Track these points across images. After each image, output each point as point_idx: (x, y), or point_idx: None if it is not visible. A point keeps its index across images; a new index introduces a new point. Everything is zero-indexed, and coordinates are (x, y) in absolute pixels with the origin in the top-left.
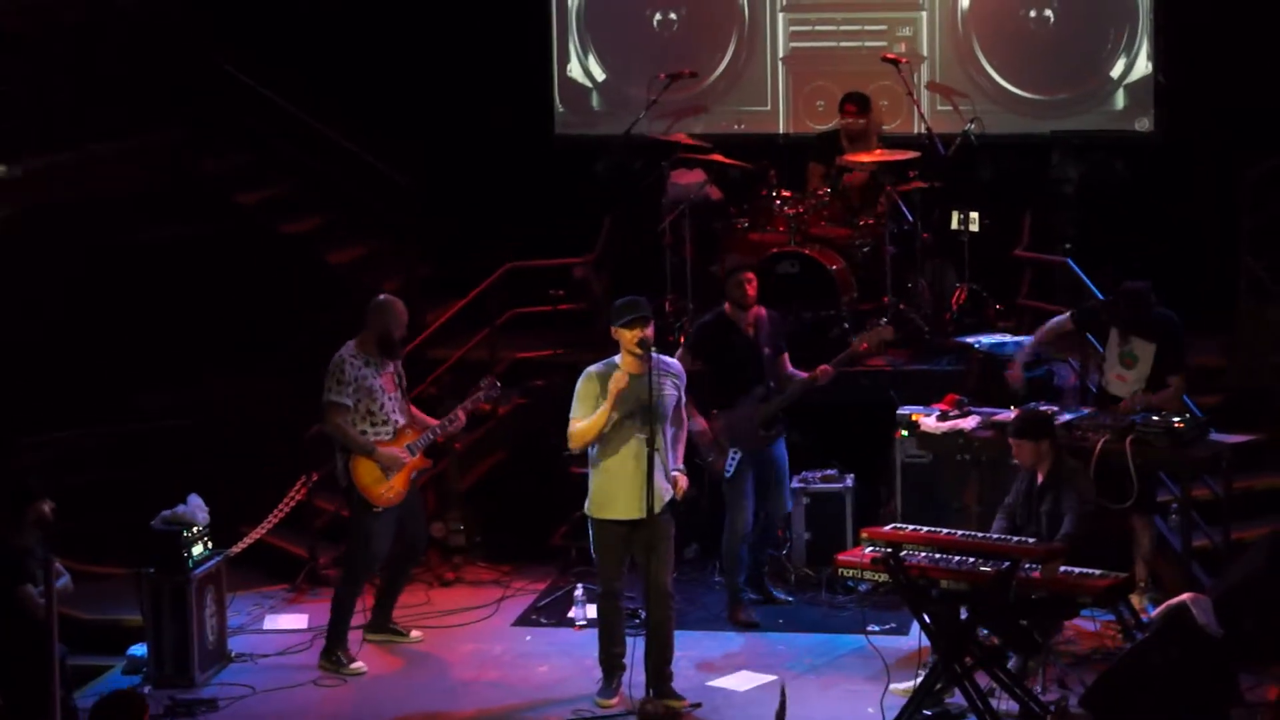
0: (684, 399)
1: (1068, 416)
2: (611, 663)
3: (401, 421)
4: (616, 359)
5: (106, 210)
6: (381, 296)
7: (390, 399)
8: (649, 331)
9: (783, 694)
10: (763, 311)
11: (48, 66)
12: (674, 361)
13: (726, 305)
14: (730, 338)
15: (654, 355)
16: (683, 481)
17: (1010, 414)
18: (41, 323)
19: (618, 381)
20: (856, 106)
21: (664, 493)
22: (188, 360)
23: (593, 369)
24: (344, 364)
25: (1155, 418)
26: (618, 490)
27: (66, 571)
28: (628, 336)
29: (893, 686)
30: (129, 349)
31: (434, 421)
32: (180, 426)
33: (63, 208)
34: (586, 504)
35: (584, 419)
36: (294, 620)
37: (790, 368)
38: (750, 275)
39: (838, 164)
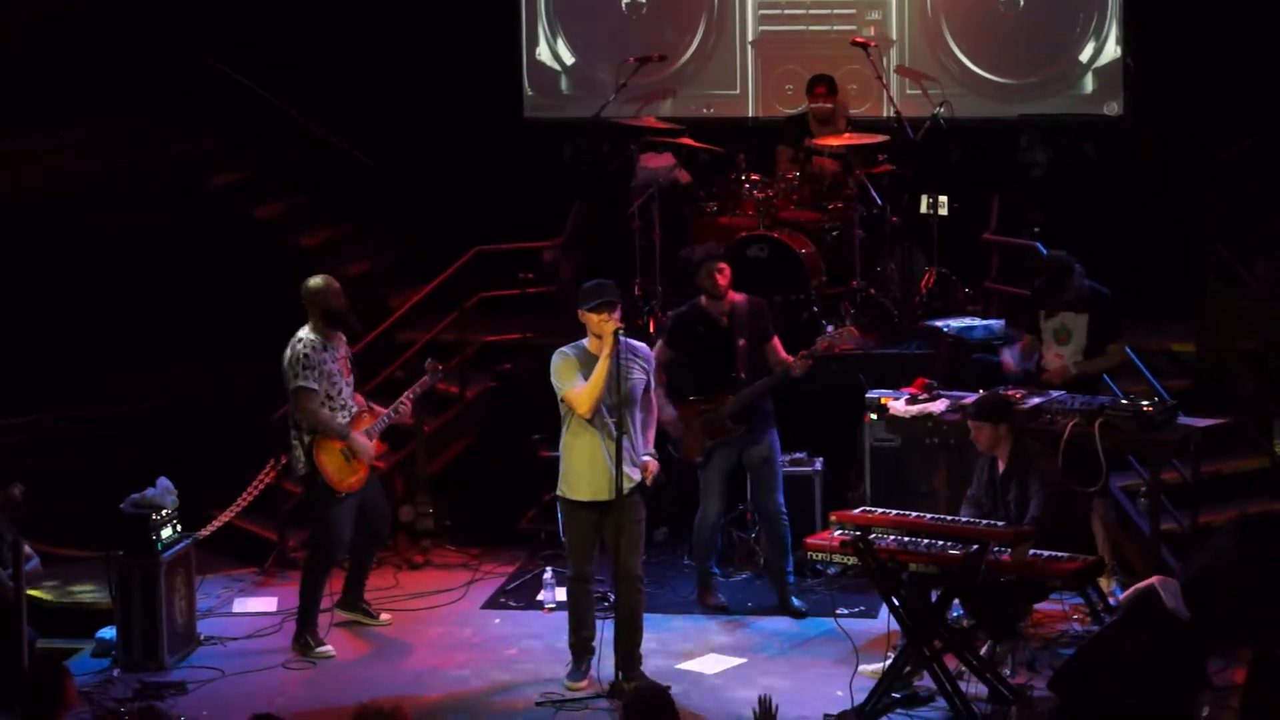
0: (653, 384)
1: (1036, 400)
2: (581, 646)
3: (356, 407)
4: (585, 342)
5: (76, 194)
6: (310, 282)
7: (346, 384)
8: (617, 316)
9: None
10: (740, 299)
11: (16, 50)
12: (642, 346)
13: (701, 296)
14: (700, 328)
15: (622, 339)
16: (653, 465)
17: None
18: (9, 306)
19: (610, 331)
20: (826, 88)
21: (633, 476)
22: (157, 344)
23: (565, 349)
24: (308, 350)
25: (1124, 401)
26: (587, 473)
27: (36, 554)
28: (595, 320)
29: (861, 669)
30: (98, 333)
31: (382, 410)
32: (150, 410)
33: (31, 192)
34: (559, 486)
35: (579, 386)
36: (263, 603)
37: (782, 353)
38: (722, 265)
39: (806, 147)
